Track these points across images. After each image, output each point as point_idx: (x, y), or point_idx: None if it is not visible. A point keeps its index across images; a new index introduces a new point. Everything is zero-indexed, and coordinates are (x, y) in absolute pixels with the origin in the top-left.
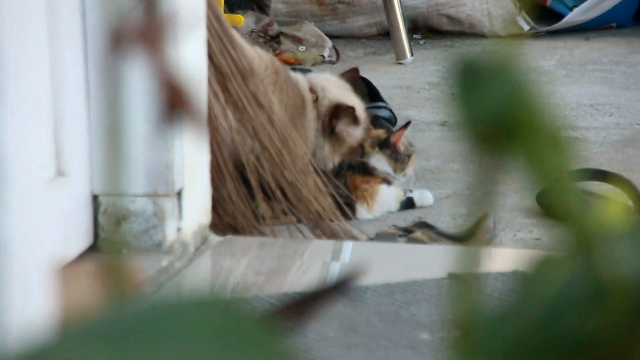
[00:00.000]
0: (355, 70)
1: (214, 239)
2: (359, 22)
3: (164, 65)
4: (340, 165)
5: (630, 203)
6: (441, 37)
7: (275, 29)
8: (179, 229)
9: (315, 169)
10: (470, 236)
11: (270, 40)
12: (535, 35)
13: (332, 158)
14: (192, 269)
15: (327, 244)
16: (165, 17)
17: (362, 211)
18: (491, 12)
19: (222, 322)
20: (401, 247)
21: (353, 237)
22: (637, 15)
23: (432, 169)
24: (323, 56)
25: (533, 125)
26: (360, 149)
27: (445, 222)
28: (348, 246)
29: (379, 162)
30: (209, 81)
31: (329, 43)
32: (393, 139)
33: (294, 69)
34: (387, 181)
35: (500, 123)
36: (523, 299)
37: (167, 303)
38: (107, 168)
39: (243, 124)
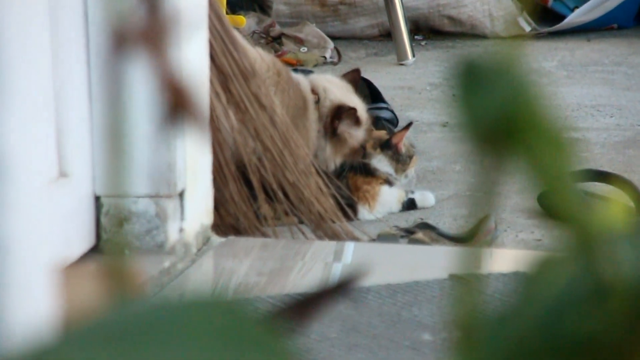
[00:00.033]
0: (356, 71)
1: (216, 239)
2: (360, 23)
3: (166, 66)
4: (342, 166)
5: (631, 204)
6: (442, 38)
7: (277, 30)
8: (181, 230)
9: (317, 169)
10: (471, 237)
11: (272, 41)
12: (537, 36)
13: (333, 159)
14: (194, 270)
15: (329, 245)
16: (167, 18)
17: (363, 212)
18: (492, 13)
19: (224, 323)
20: (403, 248)
21: (355, 238)
22: (638, 16)
23: (433, 170)
24: (325, 57)
25: (534, 126)
26: (361, 150)
27: (446, 223)
28: (350, 247)
29: (381, 163)
30: (211, 82)
31: (330, 44)
32: (395, 140)
33: (295, 70)
34: (388, 182)
35: (501, 124)
36: (524, 299)
37: (169, 304)
38: (110, 169)
39: (245, 124)
